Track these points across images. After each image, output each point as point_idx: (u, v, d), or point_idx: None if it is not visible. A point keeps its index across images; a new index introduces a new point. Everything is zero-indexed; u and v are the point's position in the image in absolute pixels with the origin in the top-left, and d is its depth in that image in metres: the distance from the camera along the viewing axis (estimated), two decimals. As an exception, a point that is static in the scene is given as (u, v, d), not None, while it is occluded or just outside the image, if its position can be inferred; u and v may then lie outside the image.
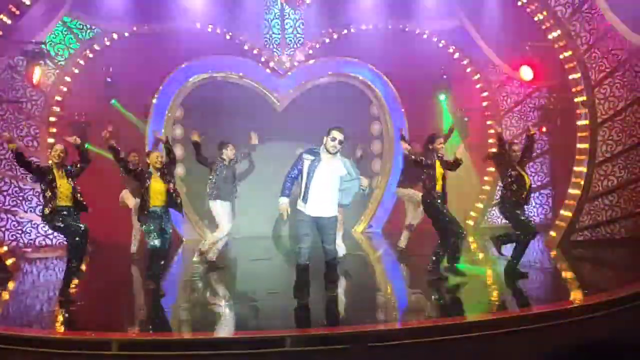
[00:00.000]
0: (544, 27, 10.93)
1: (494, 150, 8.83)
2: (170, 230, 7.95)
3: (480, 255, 10.75)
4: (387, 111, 13.44)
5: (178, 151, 13.03)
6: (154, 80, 12.38)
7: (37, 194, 11.00)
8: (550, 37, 10.90)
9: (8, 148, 8.02)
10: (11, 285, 8.93)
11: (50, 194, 7.38)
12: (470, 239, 12.06)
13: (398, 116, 13.32)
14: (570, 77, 10.87)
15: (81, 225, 7.45)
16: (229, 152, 9.46)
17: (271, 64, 12.84)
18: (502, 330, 6.07)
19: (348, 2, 12.68)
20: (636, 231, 10.84)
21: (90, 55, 12.04)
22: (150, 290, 7.75)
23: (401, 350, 5.72)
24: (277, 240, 12.83)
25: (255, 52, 12.76)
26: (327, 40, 13.02)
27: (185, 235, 12.70)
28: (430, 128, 10.84)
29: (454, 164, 8.35)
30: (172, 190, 7.84)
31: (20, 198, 11.26)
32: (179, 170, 12.41)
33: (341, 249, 9.53)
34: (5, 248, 9.96)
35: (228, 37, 12.62)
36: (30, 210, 11.26)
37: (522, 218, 8.19)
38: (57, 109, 11.65)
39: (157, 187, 7.77)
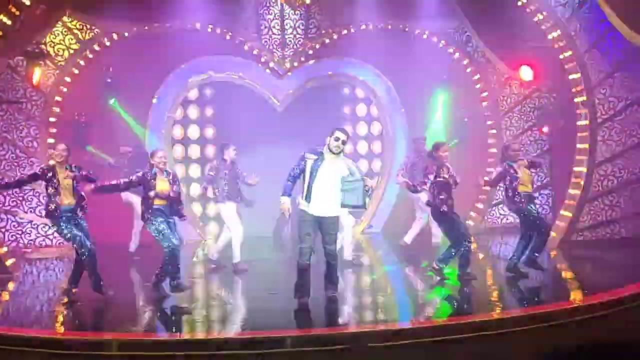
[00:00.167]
0: (543, 27, 10.93)
1: (486, 178, 8.91)
2: (176, 225, 7.86)
3: (481, 256, 10.74)
4: (387, 111, 13.44)
5: (178, 151, 13.08)
6: (154, 80, 12.35)
7: (37, 194, 11.00)
8: (550, 37, 10.89)
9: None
10: (11, 285, 8.91)
11: (53, 190, 7.49)
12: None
13: (398, 116, 13.33)
14: (570, 77, 10.87)
15: (89, 245, 7.54)
16: (230, 153, 9.47)
17: (271, 64, 12.81)
18: (502, 330, 6.08)
19: (348, 2, 12.66)
20: (636, 231, 10.84)
21: (90, 56, 12.01)
22: (150, 291, 7.75)
23: (401, 350, 5.72)
24: (278, 240, 12.81)
25: (255, 52, 12.73)
26: (327, 41, 13.00)
27: (185, 236, 12.65)
28: (430, 128, 10.83)
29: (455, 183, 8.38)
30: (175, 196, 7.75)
31: (20, 198, 11.23)
32: (179, 171, 12.40)
33: (347, 252, 9.57)
34: (5, 249, 9.95)
35: (228, 37, 12.59)
36: (30, 211, 11.25)
37: (534, 215, 8.28)
38: (57, 109, 11.62)
39: (162, 187, 7.65)
